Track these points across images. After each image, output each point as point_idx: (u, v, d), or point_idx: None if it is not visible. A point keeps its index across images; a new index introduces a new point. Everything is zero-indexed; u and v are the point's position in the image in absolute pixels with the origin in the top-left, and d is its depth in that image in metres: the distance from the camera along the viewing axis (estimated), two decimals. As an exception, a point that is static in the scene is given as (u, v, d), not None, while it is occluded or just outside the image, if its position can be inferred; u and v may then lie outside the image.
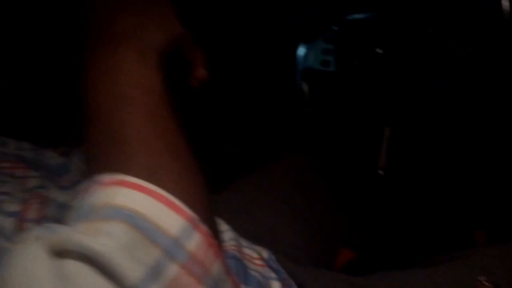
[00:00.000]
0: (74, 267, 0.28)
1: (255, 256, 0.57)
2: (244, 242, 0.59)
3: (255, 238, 0.68)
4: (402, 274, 0.59)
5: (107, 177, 0.33)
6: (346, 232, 0.87)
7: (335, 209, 0.84)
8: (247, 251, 0.57)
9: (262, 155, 0.89)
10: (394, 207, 0.85)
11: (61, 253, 0.29)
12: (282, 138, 0.95)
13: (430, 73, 0.60)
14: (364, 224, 0.91)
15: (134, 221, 0.30)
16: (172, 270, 0.30)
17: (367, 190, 0.82)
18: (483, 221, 0.94)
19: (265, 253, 0.61)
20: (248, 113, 0.99)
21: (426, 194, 0.82)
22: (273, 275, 0.56)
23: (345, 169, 0.81)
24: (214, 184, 0.82)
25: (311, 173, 0.84)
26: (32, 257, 0.28)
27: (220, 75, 0.96)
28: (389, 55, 0.60)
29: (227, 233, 0.58)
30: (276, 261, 0.60)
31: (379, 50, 0.61)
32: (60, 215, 0.53)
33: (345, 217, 0.86)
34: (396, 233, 0.90)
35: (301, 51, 0.76)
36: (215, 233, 0.36)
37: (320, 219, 0.80)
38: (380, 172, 0.70)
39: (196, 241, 0.32)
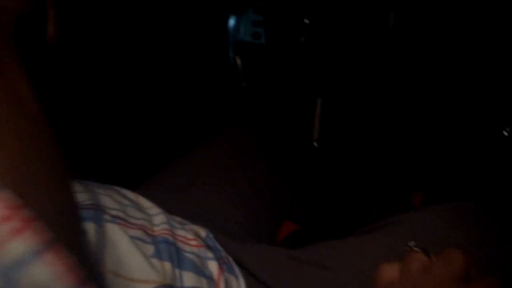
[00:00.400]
0: None
1: (190, 237, 0.56)
2: (178, 224, 0.58)
3: (195, 217, 0.68)
4: (339, 243, 0.60)
5: None
6: (288, 204, 0.88)
7: (276, 182, 0.84)
8: (181, 232, 0.56)
9: (199, 132, 0.88)
10: (332, 177, 0.86)
11: None
12: (220, 113, 0.94)
13: (356, 41, 0.60)
14: (305, 196, 0.92)
15: None
16: None
17: (304, 162, 0.82)
18: (420, 184, 0.97)
19: (203, 232, 0.60)
20: (184, 89, 0.97)
21: (362, 162, 0.83)
22: (210, 254, 0.55)
23: (282, 142, 0.81)
24: (157, 163, 0.81)
25: (250, 147, 0.83)
26: None
27: (151, 52, 0.92)
28: (316, 25, 0.59)
29: (159, 217, 0.56)
30: (214, 239, 0.59)
31: (306, 20, 0.60)
32: None
33: (286, 190, 0.86)
34: (336, 203, 0.91)
35: (232, 23, 0.73)
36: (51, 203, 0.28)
37: (260, 193, 0.79)
38: (315, 144, 0.70)
39: None
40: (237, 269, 0.56)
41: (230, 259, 0.57)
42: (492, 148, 0.73)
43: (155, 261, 0.48)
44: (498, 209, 0.73)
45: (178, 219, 0.62)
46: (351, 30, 0.58)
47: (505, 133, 0.67)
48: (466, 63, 0.64)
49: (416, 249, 0.41)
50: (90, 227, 0.45)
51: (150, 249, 0.49)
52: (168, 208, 0.64)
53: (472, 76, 0.66)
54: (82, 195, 0.50)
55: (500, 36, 0.65)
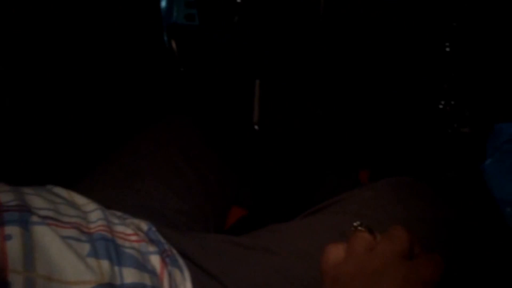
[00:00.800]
0: None
1: (130, 232, 0.53)
2: (117, 219, 0.55)
3: (137, 210, 0.66)
4: (285, 226, 0.59)
5: None
6: (235, 190, 0.86)
7: (221, 168, 0.82)
8: (120, 228, 0.53)
9: (139, 121, 0.84)
10: (276, 159, 0.85)
11: None
12: (159, 101, 0.90)
13: (288, 20, 0.59)
14: (252, 180, 0.91)
15: None
16: None
17: (247, 146, 0.81)
18: (366, 161, 0.98)
19: (145, 226, 0.58)
20: (120, 78, 0.93)
21: (306, 142, 0.83)
22: (151, 249, 0.53)
23: (224, 127, 0.79)
24: (95, 157, 0.78)
25: (193, 134, 0.81)
26: None
27: (81, 40, 0.88)
28: (249, 5, 0.57)
29: (95, 213, 0.53)
30: (157, 232, 0.57)
31: (238, 0, 0.58)
32: None
33: (232, 175, 0.85)
34: (283, 184, 0.91)
35: (164, 5, 0.70)
36: None
37: (205, 180, 0.78)
38: (256, 127, 0.69)
39: None
40: (181, 261, 0.54)
41: (174, 251, 0.56)
42: (430, 122, 0.75)
43: (91, 260, 0.46)
44: (437, 183, 0.74)
45: (118, 213, 0.60)
46: (283, 9, 0.57)
47: (441, 106, 0.68)
48: (400, 41, 0.64)
49: (360, 228, 0.41)
50: (14, 231, 0.42)
51: (86, 247, 0.47)
52: (109, 202, 0.61)
53: (406, 54, 0.66)
54: (6, 195, 0.47)
55: (432, 13, 0.66)
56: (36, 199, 0.49)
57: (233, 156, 0.81)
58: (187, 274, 0.53)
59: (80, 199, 0.56)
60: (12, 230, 0.42)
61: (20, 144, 0.81)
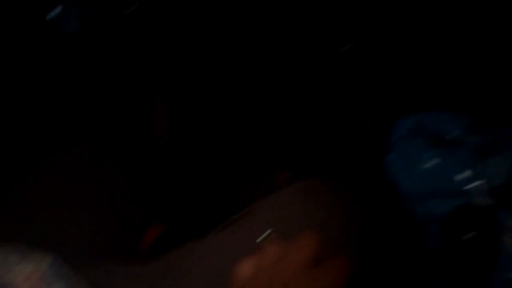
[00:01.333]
0: None
1: (29, 272, 0.49)
2: (15, 258, 0.51)
3: (43, 242, 0.61)
4: (199, 244, 0.57)
5: None
6: (150, 209, 0.83)
7: (131, 188, 0.79)
8: (17, 270, 0.49)
9: (37, 149, 0.79)
10: (187, 172, 0.83)
11: None
12: (56, 123, 0.85)
13: (184, 27, 0.57)
14: (168, 196, 0.88)
15: None
16: None
17: (156, 161, 0.78)
18: (284, 163, 0.99)
19: (48, 261, 0.53)
20: (22, 99, 0.86)
21: (216, 151, 0.81)
22: (54, 286, 0.49)
23: (129, 145, 0.76)
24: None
25: (97, 158, 0.78)
26: None
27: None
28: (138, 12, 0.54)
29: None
30: (61, 266, 0.54)
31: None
32: None
33: (146, 194, 0.82)
34: (198, 197, 0.89)
35: (56, 13, 0.65)
36: None
37: (116, 205, 0.75)
38: (159, 141, 0.66)
39: None
40: None
41: (82, 284, 0.52)
42: (336, 118, 0.76)
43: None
44: (349, 178, 0.76)
45: (20, 249, 0.55)
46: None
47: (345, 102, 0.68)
48: (299, 40, 0.65)
49: (269, 239, 0.40)
50: None
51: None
52: (10, 236, 0.58)
53: (306, 52, 0.67)
54: None
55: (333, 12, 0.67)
56: None
57: (144, 174, 0.78)
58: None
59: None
60: None
61: None
